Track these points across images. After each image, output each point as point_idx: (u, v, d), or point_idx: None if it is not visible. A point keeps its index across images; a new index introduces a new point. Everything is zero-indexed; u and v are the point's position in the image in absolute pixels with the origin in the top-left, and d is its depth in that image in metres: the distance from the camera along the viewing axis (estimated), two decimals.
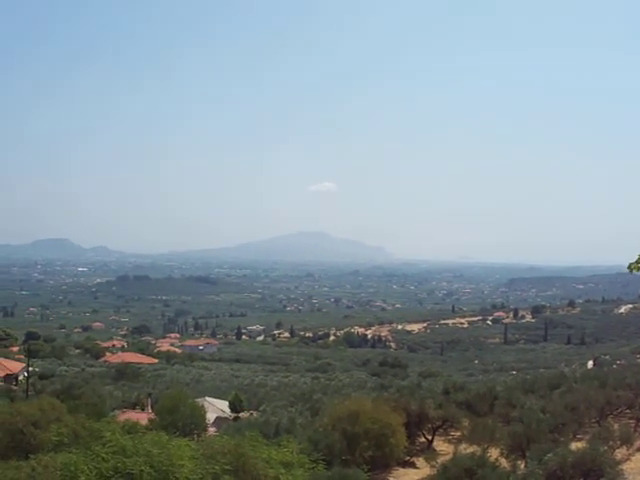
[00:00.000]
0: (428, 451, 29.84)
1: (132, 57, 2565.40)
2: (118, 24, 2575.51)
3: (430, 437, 31.88)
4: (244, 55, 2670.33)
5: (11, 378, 70.84)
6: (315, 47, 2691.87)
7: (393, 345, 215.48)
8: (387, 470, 28.22)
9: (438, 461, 25.04)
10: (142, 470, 18.30)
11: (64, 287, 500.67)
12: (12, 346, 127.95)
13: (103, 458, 19.42)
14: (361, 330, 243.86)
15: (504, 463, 23.09)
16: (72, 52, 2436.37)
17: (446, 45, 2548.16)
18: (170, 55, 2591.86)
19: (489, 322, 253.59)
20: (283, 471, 19.50)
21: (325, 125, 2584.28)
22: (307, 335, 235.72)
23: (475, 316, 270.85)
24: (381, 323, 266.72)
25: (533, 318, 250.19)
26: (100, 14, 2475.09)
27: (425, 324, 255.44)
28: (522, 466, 22.76)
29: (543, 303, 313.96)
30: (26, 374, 67.84)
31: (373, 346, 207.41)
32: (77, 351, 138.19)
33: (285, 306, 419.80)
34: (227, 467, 18.60)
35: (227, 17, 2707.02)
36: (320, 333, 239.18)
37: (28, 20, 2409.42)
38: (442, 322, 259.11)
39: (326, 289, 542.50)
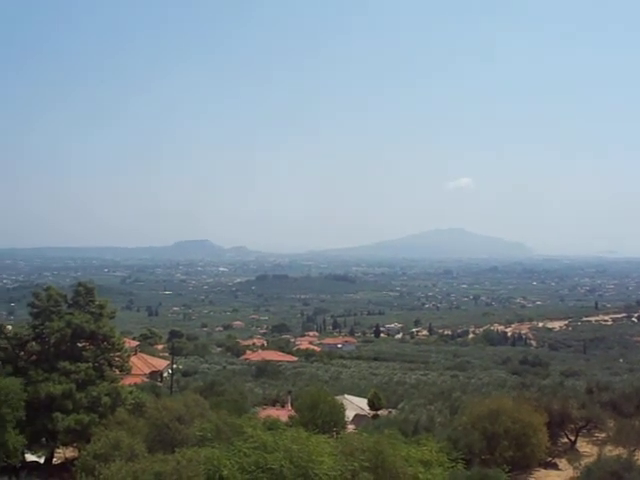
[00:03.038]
0: (571, 452, 29.20)
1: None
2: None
3: (573, 438, 31.17)
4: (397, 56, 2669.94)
5: (156, 375, 72.91)
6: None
7: (534, 343, 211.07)
8: (528, 471, 27.74)
9: (581, 463, 24.51)
10: (282, 466, 18.62)
11: (205, 287, 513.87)
12: (157, 344, 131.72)
13: (245, 453, 19.86)
14: (500, 328, 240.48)
15: None
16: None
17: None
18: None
19: (634, 319, 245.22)
20: (422, 470, 19.45)
21: (460, 121, 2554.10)
22: (446, 333, 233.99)
23: (619, 313, 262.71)
24: (521, 320, 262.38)
25: None
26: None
27: (567, 321, 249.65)
28: None
29: None
30: (170, 371, 69.77)
31: (513, 344, 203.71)
32: (218, 349, 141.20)
33: (423, 304, 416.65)
34: (366, 464, 18.71)
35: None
36: (459, 331, 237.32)
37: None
38: (584, 319, 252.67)
39: (464, 286, 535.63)
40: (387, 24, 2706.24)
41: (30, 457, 34.22)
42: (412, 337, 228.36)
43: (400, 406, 50.36)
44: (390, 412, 47.43)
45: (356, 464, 18.65)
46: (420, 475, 19.20)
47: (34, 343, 33.09)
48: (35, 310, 34.24)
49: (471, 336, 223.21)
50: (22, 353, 33.25)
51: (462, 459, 21.73)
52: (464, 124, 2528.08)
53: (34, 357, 33.13)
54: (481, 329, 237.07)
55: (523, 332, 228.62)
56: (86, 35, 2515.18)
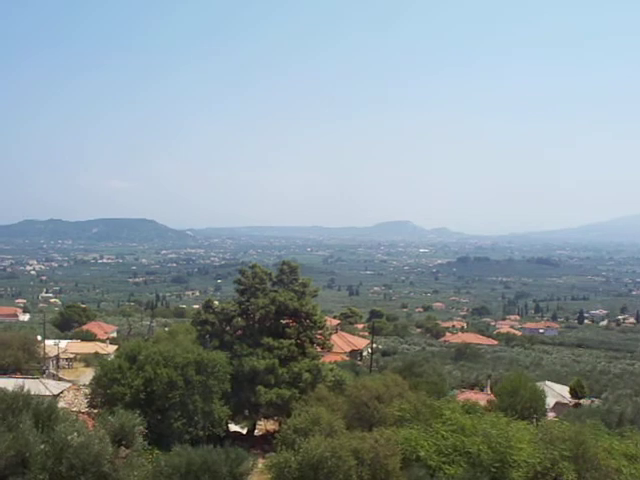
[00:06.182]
0: None
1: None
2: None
3: None
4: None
5: (356, 353, 74.18)
6: None
7: None
8: None
9: None
10: (480, 450, 18.57)
11: (406, 268, 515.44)
12: (357, 323, 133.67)
13: (443, 436, 19.97)
14: None
15: None
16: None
17: None
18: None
19: None
20: (625, 463, 18.83)
21: None
22: None
23: None
24: None
25: None
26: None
27: None
28: None
29: None
30: (370, 350, 70.74)
31: None
32: (418, 330, 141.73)
33: (631, 290, 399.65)
34: (566, 454, 18.31)
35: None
36: None
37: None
38: None
39: None
40: None
41: (233, 427, 35.71)
42: (618, 324, 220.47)
43: (603, 396, 48.97)
44: (593, 402, 46.18)
45: (556, 453, 18.32)
46: (623, 469, 18.61)
47: (240, 319, 34.45)
48: (241, 287, 35.65)
49: None
50: (228, 328, 34.71)
51: None
52: None
53: (239, 332, 34.51)
54: None
55: None
56: None
